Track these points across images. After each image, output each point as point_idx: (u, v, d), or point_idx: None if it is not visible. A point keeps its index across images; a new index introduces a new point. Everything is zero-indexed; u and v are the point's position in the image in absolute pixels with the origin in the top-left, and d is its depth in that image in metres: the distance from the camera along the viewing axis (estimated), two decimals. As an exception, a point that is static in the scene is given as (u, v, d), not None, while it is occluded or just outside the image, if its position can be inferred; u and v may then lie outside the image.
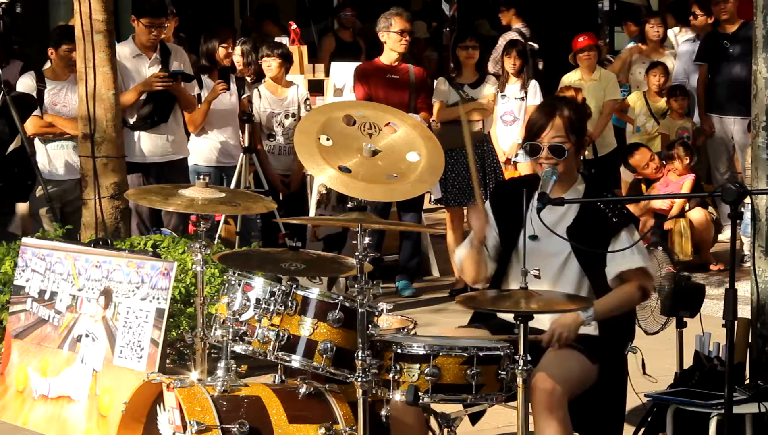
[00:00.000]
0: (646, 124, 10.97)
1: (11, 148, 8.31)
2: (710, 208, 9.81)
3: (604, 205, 4.84)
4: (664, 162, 9.98)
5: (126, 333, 6.08)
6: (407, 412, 4.65)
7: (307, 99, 9.65)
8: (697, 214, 9.62)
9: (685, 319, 5.76)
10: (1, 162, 8.75)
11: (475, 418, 4.96)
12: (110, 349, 6.13)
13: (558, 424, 4.53)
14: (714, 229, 9.77)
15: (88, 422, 6.13)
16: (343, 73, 10.57)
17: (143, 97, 8.51)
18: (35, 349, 6.48)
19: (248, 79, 9.77)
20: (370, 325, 4.48)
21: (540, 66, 13.13)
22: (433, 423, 4.82)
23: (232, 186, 8.88)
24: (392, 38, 9.20)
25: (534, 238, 4.73)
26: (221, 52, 9.26)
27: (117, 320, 6.13)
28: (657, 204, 9.77)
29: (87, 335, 6.25)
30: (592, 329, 4.85)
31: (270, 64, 9.55)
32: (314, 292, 4.70)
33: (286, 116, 9.55)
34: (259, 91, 9.53)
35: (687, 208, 9.61)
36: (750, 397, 5.17)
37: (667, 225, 9.54)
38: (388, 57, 9.27)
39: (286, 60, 9.60)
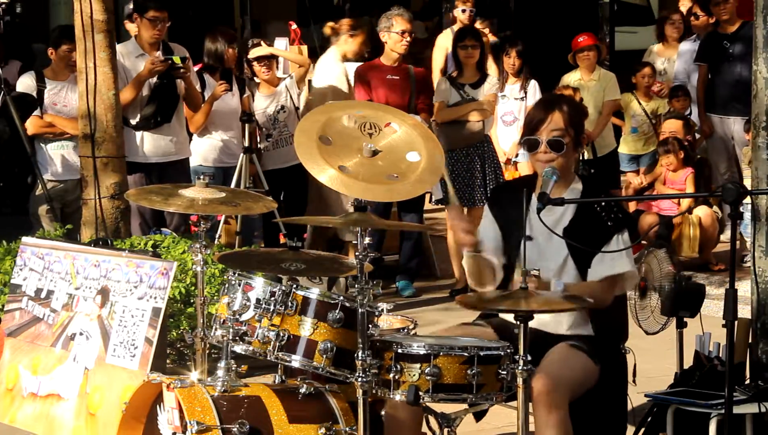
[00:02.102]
0: (642, 125, 10.98)
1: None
2: (715, 208, 9.81)
3: (600, 208, 4.84)
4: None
5: (121, 331, 6.07)
6: (403, 410, 4.64)
7: (295, 84, 9.72)
8: (703, 212, 9.63)
9: (685, 319, 5.76)
10: (1, 162, 8.77)
11: (479, 415, 4.96)
12: (103, 347, 6.12)
13: (558, 424, 4.53)
14: (719, 227, 9.78)
15: (77, 420, 6.11)
16: (342, 73, 10.57)
17: (145, 94, 8.50)
18: (28, 347, 6.47)
19: (256, 79, 9.82)
20: (370, 325, 4.47)
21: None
22: (433, 423, 4.82)
23: (232, 186, 8.89)
24: (393, 38, 9.20)
25: (529, 238, 4.71)
26: (230, 53, 9.28)
27: (112, 319, 6.13)
28: (665, 205, 9.79)
29: (81, 334, 6.24)
30: (586, 330, 4.85)
31: (260, 69, 9.66)
32: (314, 292, 4.69)
33: (277, 111, 9.61)
34: (253, 95, 9.59)
35: (693, 205, 9.65)
36: (750, 397, 5.17)
37: (677, 219, 9.54)
38: (388, 57, 9.27)
39: (271, 62, 9.71)
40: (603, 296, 4.80)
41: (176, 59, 8.39)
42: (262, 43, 10.06)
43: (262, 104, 9.64)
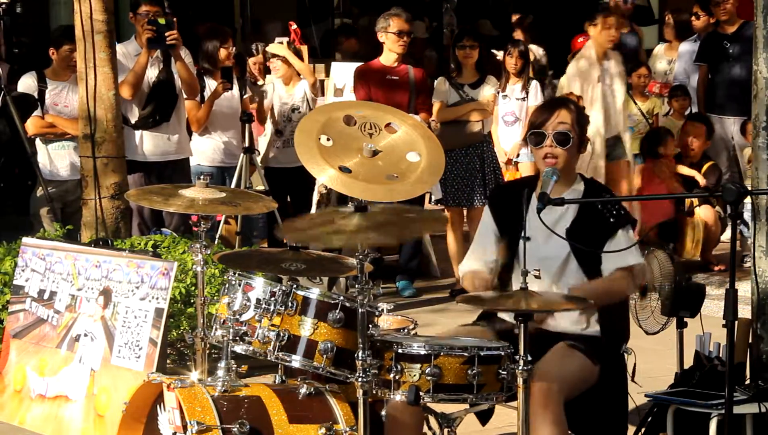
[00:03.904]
0: (639, 125, 10.99)
1: None
2: (717, 208, 9.82)
3: (602, 206, 4.84)
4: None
5: (125, 333, 6.09)
6: (404, 411, 4.65)
7: (312, 89, 9.74)
8: (705, 212, 9.64)
9: (685, 319, 5.76)
10: (2, 162, 8.76)
11: (484, 419, 4.95)
12: (108, 348, 6.13)
13: (552, 422, 4.53)
14: (721, 226, 9.80)
15: (85, 422, 6.13)
16: (343, 73, 10.59)
17: (144, 93, 8.51)
18: (33, 348, 6.48)
19: (260, 82, 9.85)
20: (370, 325, 4.48)
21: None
22: (433, 423, 4.82)
23: (233, 186, 8.89)
24: (390, 39, 9.20)
25: (528, 239, 4.71)
26: (222, 53, 9.27)
27: (116, 320, 6.14)
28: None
29: (85, 335, 6.26)
30: (590, 330, 4.86)
31: (275, 65, 9.68)
32: (315, 293, 4.69)
33: (292, 110, 9.65)
34: (273, 84, 9.61)
35: (696, 203, 9.68)
36: (750, 397, 5.17)
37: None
38: (387, 58, 9.28)
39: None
40: (616, 288, 4.79)
41: (161, 20, 8.36)
42: (284, 42, 10.05)
43: (281, 98, 9.68)
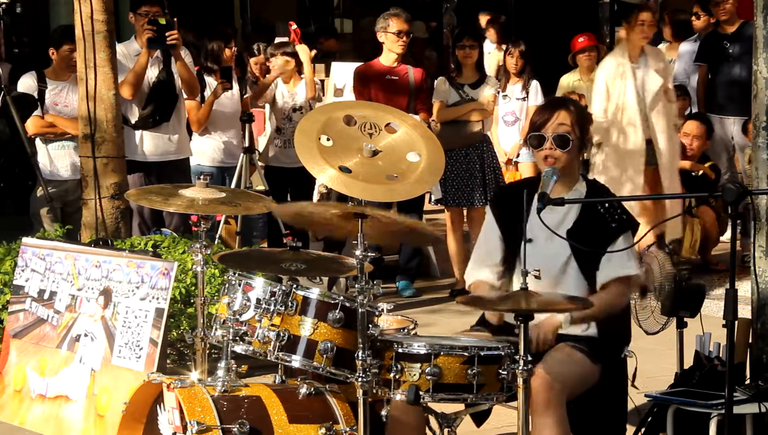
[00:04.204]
0: None
1: None
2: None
3: (604, 209, 4.84)
4: None
5: (125, 333, 6.09)
6: (407, 411, 4.65)
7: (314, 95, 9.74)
8: (705, 213, 9.64)
9: (685, 319, 5.76)
10: (2, 162, 8.76)
11: (480, 420, 4.96)
12: (109, 348, 6.13)
13: (554, 422, 4.53)
14: (719, 227, 9.80)
15: (86, 422, 6.13)
16: (343, 73, 10.59)
17: (144, 93, 8.52)
18: (34, 348, 6.48)
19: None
20: (370, 325, 4.48)
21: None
22: (433, 423, 4.82)
23: (233, 186, 8.89)
24: (390, 39, 9.19)
25: (529, 240, 4.70)
26: (226, 53, 9.29)
27: (116, 320, 6.14)
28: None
29: (86, 335, 6.26)
30: (591, 331, 4.86)
31: (275, 65, 9.69)
32: (314, 292, 4.70)
33: (293, 110, 9.65)
34: (276, 83, 9.63)
35: (693, 203, 9.68)
36: (750, 397, 5.17)
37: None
38: (386, 58, 9.27)
39: (293, 57, 9.71)
40: (616, 302, 4.82)
41: (161, 20, 8.36)
42: (298, 45, 10.06)
43: (283, 96, 9.68)
